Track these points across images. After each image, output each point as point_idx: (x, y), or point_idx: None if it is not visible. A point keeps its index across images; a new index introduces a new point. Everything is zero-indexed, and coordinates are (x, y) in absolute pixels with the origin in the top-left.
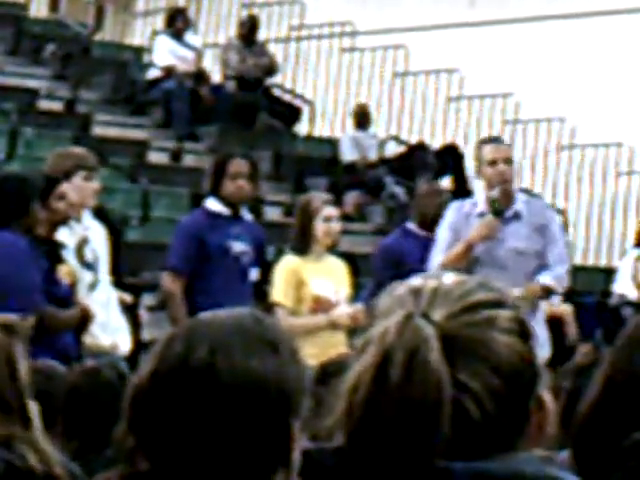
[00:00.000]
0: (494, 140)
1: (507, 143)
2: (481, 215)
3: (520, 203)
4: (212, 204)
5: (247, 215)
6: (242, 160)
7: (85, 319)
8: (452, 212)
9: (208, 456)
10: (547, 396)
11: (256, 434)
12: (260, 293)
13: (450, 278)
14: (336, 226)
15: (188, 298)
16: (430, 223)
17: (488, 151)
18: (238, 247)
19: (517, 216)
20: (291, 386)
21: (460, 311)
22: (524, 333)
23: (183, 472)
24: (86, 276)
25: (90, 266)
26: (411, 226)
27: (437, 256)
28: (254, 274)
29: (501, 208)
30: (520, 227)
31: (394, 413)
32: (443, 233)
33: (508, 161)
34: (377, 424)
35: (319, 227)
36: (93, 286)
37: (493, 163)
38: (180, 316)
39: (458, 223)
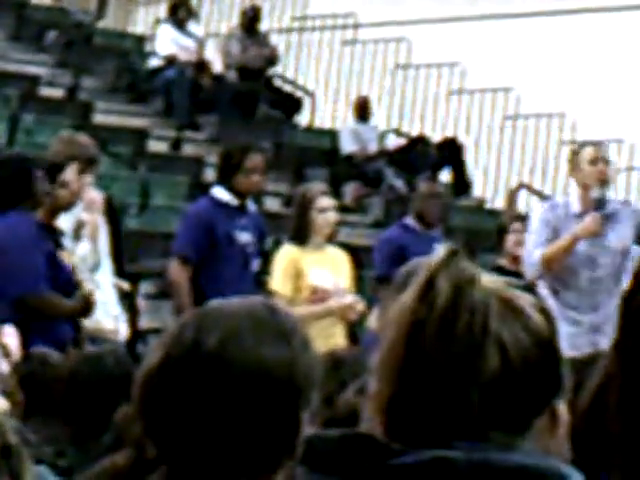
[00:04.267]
0: (594, 144)
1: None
2: (580, 215)
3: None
4: (220, 193)
5: (252, 206)
6: (258, 155)
7: (87, 308)
8: (547, 211)
9: (216, 443)
10: (562, 407)
11: (264, 423)
12: (258, 282)
13: None
14: (332, 216)
15: (194, 286)
16: (429, 222)
17: (589, 151)
18: (244, 237)
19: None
20: (302, 377)
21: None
22: (549, 318)
23: (190, 459)
24: (88, 256)
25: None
26: (410, 222)
27: (537, 250)
28: (256, 264)
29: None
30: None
31: (439, 343)
32: (540, 230)
33: (607, 162)
34: (421, 358)
35: (315, 218)
36: (95, 267)
37: (594, 162)
38: (186, 304)
39: (556, 221)
